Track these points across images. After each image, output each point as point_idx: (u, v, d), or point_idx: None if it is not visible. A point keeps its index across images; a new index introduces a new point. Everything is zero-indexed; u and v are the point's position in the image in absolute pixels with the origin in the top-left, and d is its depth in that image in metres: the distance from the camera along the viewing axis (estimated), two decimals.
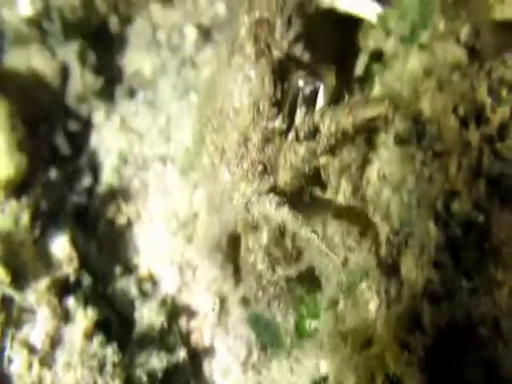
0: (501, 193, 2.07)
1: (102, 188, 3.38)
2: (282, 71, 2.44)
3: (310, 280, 2.60)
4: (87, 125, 3.62)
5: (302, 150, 2.30)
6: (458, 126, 2.19)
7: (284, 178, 2.39)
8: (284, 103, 2.42)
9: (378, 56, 2.68)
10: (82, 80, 3.54)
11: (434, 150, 2.18)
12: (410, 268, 2.20)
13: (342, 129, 2.26)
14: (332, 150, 2.37)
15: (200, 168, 2.75)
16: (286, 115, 2.39)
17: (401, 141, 2.23)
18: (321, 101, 2.48)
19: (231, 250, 2.72)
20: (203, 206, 3.07)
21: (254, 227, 2.53)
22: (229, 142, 2.44)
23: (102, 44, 3.78)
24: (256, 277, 2.57)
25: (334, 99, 2.42)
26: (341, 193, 2.45)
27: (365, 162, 2.42)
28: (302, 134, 2.30)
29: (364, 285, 2.29)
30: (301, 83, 2.44)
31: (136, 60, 3.81)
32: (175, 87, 3.70)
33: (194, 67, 3.77)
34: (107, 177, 3.42)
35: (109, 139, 3.54)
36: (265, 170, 2.40)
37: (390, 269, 2.26)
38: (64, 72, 3.57)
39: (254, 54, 2.41)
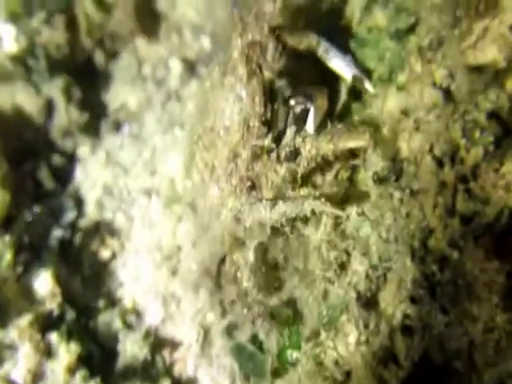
0: (474, 231, 2.14)
1: (86, 221, 3.40)
2: (272, 91, 2.51)
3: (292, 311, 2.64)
4: (72, 159, 3.65)
5: (282, 170, 2.38)
6: (434, 166, 2.26)
7: (267, 196, 2.44)
8: (274, 122, 2.49)
9: (357, 94, 2.76)
10: (66, 115, 3.57)
11: (412, 188, 2.25)
12: (388, 302, 2.25)
13: (323, 154, 2.35)
14: (312, 175, 2.43)
15: (190, 189, 2.80)
16: (275, 134, 2.45)
17: (379, 179, 2.30)
18: (311, 122, 2.54)
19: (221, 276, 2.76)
20: (191, 230, 3.10)
21: (242, 244, 2.59)
22: (219, 159, 2.50)
23: (88, 78, 3.82)
24: (241, 294, 2.61)
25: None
26: (322, 226, 2.50)
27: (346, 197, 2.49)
28: (283, 155, 2.37)
29: (344, 318, 2.33)
30: (292, 103, 2.51)
31: (121, 94, 3.86)
32: (160, 121, 3.74)
33: (179, 101, 3.81)
34: (92, 210, 3.45)
35: (94, 173, 3.58)
36: (253, 187, 2.47)
37: (369, 303, 2.31)
38: (49, 108, 3.60)
39: (246, 75, 2.47)
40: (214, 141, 2.55)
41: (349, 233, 2.45)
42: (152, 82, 3.91)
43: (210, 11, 4.04)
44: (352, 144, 2.35)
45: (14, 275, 2.95)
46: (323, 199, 2.31)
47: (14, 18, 3.55)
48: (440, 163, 2.27)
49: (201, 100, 2.79)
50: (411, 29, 2.56)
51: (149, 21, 3.98)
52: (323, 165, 2.45)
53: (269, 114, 2.47)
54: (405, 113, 2.45)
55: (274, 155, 2.40)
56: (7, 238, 3.02)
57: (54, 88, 3.59)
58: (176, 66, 3.93)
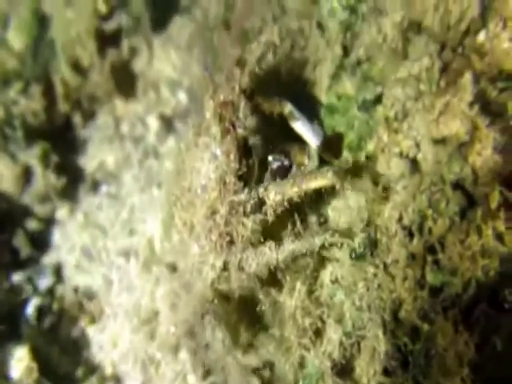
0: (443, 302, 2.19)
1: (64, 287, 3.39)
2: (246, 147, 2.56)
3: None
4: (50, 223, 3.65)
5: (249, 222, 2.43)
6: (404, 236, 2.32)
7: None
8: (250, 178, 2.53)
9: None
10: (44, 181, 3.59)
11: (385, 262, 2.30)
12: (363, 372, 2.28)
13: (288, 199, 2.41)
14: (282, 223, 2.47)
15: (168, 250, 2.82)
16: (251, 189, 2.49)
17: (356, 257, 2.34)
18: None
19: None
20: (170, 292, 3.10)
21: (225, 298, 2.61)
22: (197, 217, 2.54)
23: (65, 140, 3.86)
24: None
25: None
26: (296, 293, 2.54)
27: (319, 265, 2.53)
28: (248, 208, 2.43)
29: None
30: (270, 159, 2.57)
31: (99, 154, 3.89)
32: (138, 179, 3.78)
33: (156, 158, 3.85)
34: (70, 275, 3.45)
35: (72, 236, 3.58)
36: (232, 241, 2.50)
37: (343, 372, 2.34)
38: (26, 175, 3.62)
39: (220, 133, 2.53)
40: (192, 200, 2.60)
41: (323, 300, 2.49)
42: (130, 140, 3.94)
43: (187, 66, 4.11)
44: (316, 183, 2.40)
45: None
46: (331, 231, 2.38)
47: None
48: (409, 233, 2.33)
49: (177, 162, 2.85)
50: (378, 99, 2.64)
51: (126, 80, 4.03)
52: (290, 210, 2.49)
53: (244, 170, 2.52)
54: (374, 181, 2.51)
55: (240, 209, 2.45)
56: None
57: (31, 155, 3.62)
58: (153, 123, 3.97)
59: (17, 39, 3.65)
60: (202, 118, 2.69)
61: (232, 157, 2.51)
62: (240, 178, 2.51)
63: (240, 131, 2.57)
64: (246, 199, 2.45)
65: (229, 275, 2.57)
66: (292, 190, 2.40)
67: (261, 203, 2.45)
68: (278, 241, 2.45)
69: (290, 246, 2.40)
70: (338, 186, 2.41)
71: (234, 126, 2.57)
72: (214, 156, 2.54)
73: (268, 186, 2.45)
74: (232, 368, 2.67)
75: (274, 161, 2.61)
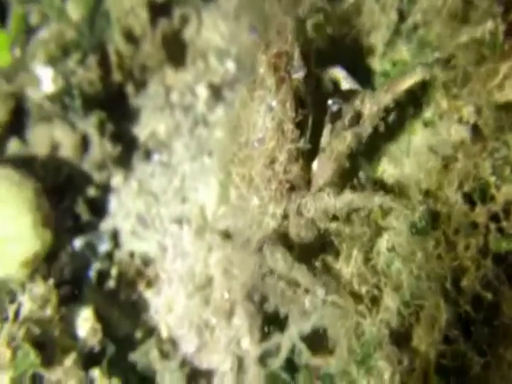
0: (508, 270, 2.16)
1: (122, 252, 3.49)
2: (301, 96, 2.56)
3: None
4: (106, 191, 3.75)
5: (348, 135, 2.44)
6: (465, 205, 2.28)
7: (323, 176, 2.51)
8: (305, 126, 2.54)
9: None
10: (101, 149, 3.69)
11: (446, 232, 2.26)
12: (422, 340, 2.28)
13: (384, 107, 2.42)
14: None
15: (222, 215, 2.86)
16: (308, 135, 2.53)
17: (417, 232, 2.32)
18: None
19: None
20: (224, 257, 3.14)
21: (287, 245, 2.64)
22: (256, 169, 2.57)
23: (118, 110, 3.92)
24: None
25: None
26: (352, 260, 2.54)
27: (376, 233, 2.52)
28: (347, 123, 2.45)
29: (378, 355, 2.36)
30: (329, 102, 2.55)
31: (151, 122, 3.94)
32: (189, 147, 3.81)
33: (206, 126, 3.88)
34: (127, 240, 3.54)
35: (127, 203, 3.66)
36: (292, 189, 2.54)
37: (401, 340, 2.34)
38: (84, 143, 3.72)
39: (275, 83, 2.51)
40: (250, 154, 2.61)
41: (380, 268, 2.49)
42: (180, 109, 3.97)
43: (234, 35, 4.09)
44: (408, 82, 2.41)
45: (58, 316, 3.01)
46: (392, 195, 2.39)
47: (51, 60, 3.68)
48: (471, 202, 2.29)
49: (232, 121, 2.86)
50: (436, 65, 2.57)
51: (175, 49, 4.04)
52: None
53: (301, 117, 2.52)
54: (432, 150, 2.47)
55: (339, 125, 2.46)
56: (51, 282, 3.09)
57: (89, 124, 3.71)
58: (202, 92, 3.98)
59: (75, 11, 3.72)
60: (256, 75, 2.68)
61: (288, 105, 2.51)
62: (297, 125, 2.52)
63: (296, 77, 2.54)
64: (344, 114, 2.46)
65: (288, 223, 2.60)
66: (386, 97, 2.41)
67: (357, 116, 2.45)
68: None
69: (349, 195, 2.41)
70: (427, 77, 2.41)
71: (289, 74, 2.55)
72: (270, 107, 2.53)
73: (363, 98, 2.45)
74: (300, 277, 2.64)
75: (333, 104, 2.58)
